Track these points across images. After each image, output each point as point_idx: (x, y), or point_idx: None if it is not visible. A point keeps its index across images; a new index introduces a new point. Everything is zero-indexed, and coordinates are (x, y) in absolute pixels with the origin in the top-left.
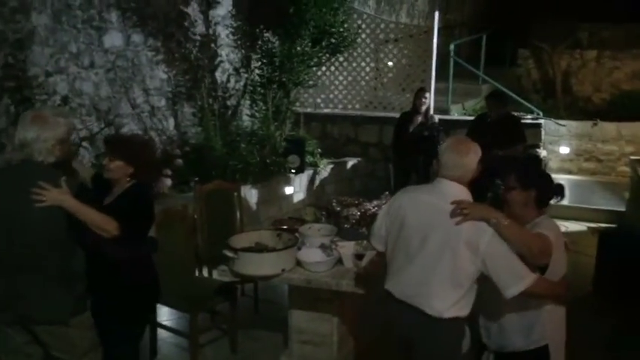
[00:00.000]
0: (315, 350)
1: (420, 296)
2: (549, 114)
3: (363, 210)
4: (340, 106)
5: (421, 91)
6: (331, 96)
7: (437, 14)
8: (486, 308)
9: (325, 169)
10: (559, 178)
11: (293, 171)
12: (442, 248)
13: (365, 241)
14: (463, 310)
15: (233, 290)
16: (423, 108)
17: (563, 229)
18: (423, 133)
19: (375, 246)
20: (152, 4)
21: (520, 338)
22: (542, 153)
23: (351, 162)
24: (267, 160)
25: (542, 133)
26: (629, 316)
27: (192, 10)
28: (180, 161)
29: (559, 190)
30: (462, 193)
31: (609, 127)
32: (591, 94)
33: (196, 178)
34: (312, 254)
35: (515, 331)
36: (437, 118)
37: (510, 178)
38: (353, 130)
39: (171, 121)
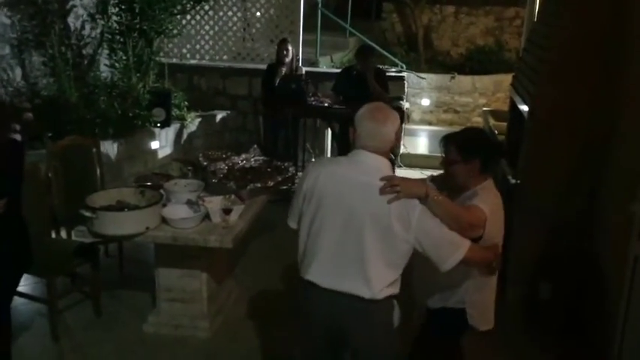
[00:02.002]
0: (184, 307)
1: (353, 281)
2: (412, 67)
3: (230, 164)
4: (207, 57)
5: (282, 43)
6: (197, 46)
7: None
8: (418, 271)
9: (193, 122)
10: (420, 128)
11: (158, 125)
12: (372, 227)
13: (233, 196)
14: (396, 288)
15: (94, 251)
16: (287, 59)
17: (423, 176)
18: (289, 85)
19: (291, 225)
20: None
21: (442, 296)
22: (406, 105)
23: (220, 115)
24: (130, 114)
25: (406, 85)
26: None
27: None
28: (30, 115)
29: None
30: (385, 166)
31: (465, 80)
32: (450, 48)
33: (49, 134)
34: (177, 211)
35: (440, 289)
36: (304, 69)
37: (451, 151)
38: (221, 82)
39: (19, 71)
